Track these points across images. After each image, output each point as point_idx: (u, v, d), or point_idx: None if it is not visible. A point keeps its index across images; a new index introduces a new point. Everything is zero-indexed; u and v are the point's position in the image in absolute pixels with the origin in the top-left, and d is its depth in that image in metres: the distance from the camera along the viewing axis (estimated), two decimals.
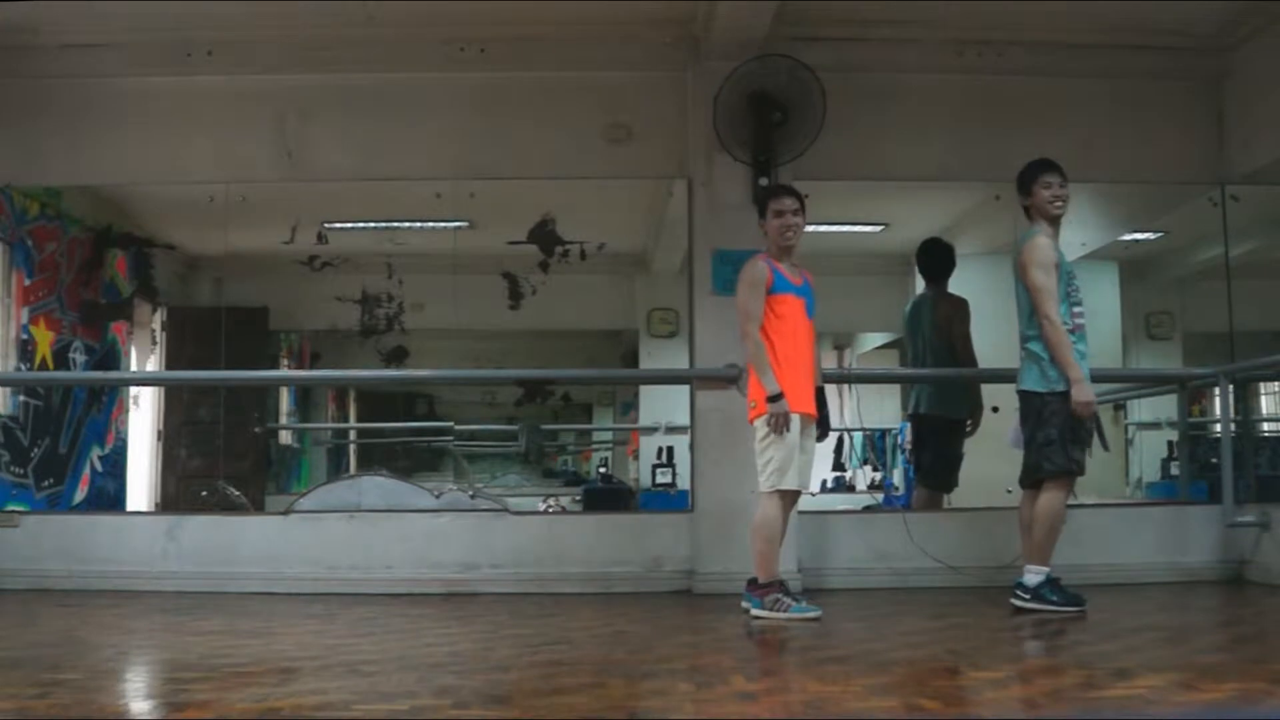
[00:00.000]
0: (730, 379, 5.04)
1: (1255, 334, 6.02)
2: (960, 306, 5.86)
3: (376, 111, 5.75)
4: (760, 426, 4.34)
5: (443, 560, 5.20)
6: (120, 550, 5.27)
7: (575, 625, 4.20)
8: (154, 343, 8.52)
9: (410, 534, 5.25)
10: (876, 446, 9.01)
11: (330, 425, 10.23)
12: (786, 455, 4.29)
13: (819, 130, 5.17)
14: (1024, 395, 4.46)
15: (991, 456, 5.80)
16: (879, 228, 8.27)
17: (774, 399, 4.29)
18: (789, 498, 4.38)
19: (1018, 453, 4.53)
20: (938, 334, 5.86)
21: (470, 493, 5.84)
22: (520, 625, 4.22)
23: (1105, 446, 4.52)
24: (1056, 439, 4.31)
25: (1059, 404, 4.32)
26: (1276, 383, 7.51)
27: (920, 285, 6.12)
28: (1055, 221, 4.46)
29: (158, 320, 8.56)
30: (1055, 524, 4.35)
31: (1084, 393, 4.28)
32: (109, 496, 7.77)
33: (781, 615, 4.21)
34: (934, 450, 5.86)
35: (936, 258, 6.03)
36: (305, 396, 9.83)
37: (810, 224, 4.58)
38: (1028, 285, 4.38)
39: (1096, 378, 4.39)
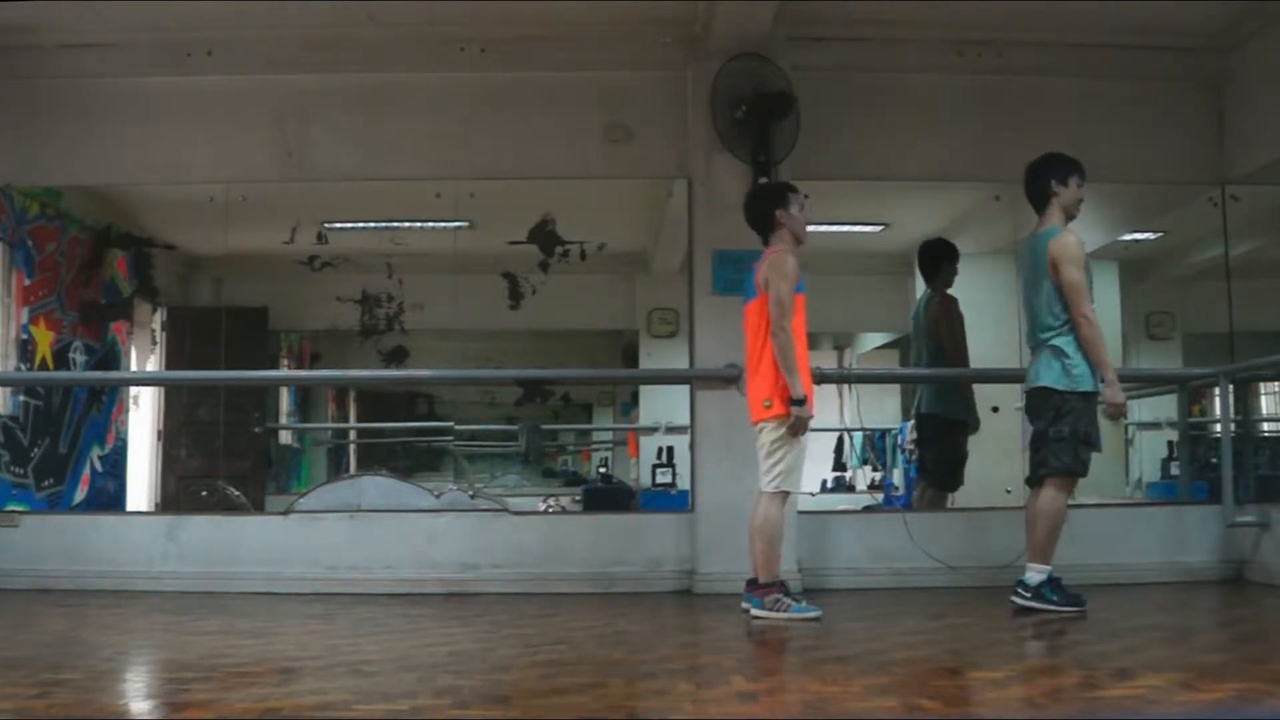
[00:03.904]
0: (730, 379, 5.04)
1: (1255, 334, 6.02)
2: (948, 305, 5.83)
3: (376, 111, 5.75)
4: (774, 427, 4.28)
5: (443, 560, 5.20)
6: (120, 550, 5.28)
7: (575, 625, 4.20)
8: (154, 343, 8.51)
9: (410, 534, 5.25)
10: (876, 446, 9.00)
11: (330, 425, 10.21)
12: (796, 458, 4.27)
13: (796, 131, 5.17)
14: (1040, 391, 4.39)
15: (991, 457, 5.82)
16: (879, 228, 8.27)
17: (799, 402, 4.21)
18: (790, 499, 4.37)
19: (1019, 453, 4.52)
20: (929, 333, 5.86)
21: (470, 493, 5.85)
22: (520, 625, 4.21)
23: (1098, 448, 4.50)
24: (1068, 437, 4.30)
25: (1077, 402, 4.31)
26: (1276, 383, 7.50)
27: (921, 286, 6.13)
28: (1071, 221, 4.46)
29: (158, 320, 8.55)
30: (1056, 523, 4.34)
31: (1118, 394, 4.31)
32: (109, 496, 7.76)
33: (781, 615, 4.21)
34: (935, 450, 5.87)
35: (926, 257, 6.03)
36: (305, 396, 9.82)
37: (810, 224, 4.60)
38: (1061, 282, 4.33)
39: None
